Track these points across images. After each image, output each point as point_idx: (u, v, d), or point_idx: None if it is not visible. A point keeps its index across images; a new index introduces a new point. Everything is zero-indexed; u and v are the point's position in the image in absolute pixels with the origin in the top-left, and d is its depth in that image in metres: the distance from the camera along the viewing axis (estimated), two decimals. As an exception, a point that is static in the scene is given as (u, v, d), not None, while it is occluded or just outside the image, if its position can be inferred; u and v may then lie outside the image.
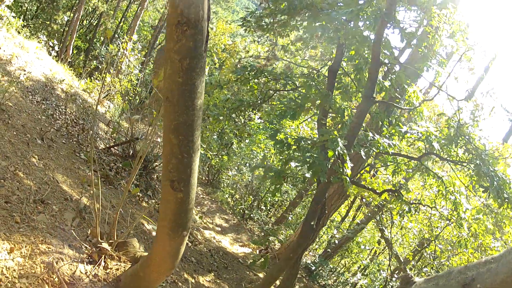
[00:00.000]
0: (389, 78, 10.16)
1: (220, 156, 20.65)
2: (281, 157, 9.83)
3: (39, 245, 6.00)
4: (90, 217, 7.78)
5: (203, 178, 21.53)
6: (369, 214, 17.76)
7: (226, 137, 20.67)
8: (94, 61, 24.07)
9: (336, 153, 7.18)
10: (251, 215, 19.45)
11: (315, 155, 7.61)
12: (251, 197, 20.41)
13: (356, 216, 22.13)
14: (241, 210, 19.31)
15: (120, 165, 11.56)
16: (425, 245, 15.40)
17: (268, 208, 21.80)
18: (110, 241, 6.65)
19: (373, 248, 20.71)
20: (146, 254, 6.07)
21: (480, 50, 10.19)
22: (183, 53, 3.44)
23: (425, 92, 14.62)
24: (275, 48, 15.66)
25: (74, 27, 22.17)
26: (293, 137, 8.50)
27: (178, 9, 3.31)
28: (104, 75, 17.87)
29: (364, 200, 16.01)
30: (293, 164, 8.52)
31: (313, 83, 9.72)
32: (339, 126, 10.09)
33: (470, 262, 5.96)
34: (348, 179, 7.53)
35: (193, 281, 10.10)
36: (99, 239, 6.56)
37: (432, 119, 20.88)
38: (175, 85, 3.63)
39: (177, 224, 4.63)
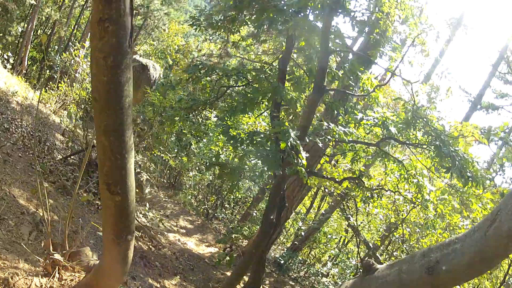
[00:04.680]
0: (342, 66, 10.16)
1: (179, 158, 20.52)
2: (235, 153, 9.79)
3: (-6, 261, 5.92)
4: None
5: (164, 181, 21.41)
6: (333, 204, 17.84)
7: (184, 138, 20.51)
8: (48, 71, 23.67)
9: (289, 144, 7.11)
10: (216, 214, 19.42)
11: (267, 148, 7.55)
12: (214, 196, 20.37)
13: (321, 206, 22.22)
14: (205, 210, 19.27)
15: (78, 174, 11.37)
16: (393, 229, 15.42)
17: (233, 206, 21.75)
18: (63, 251, 6.53)
19: (341, 237, 20.79)
20: (98, 262, 5.96)
21: (433, 33, 10.22)
22: (107, 50, 3.32)
23: (381, 79, 14.64)
24: (227, 45, 15.54)
25: (28, 38, 21.79)
26: (246, 132, 8.44)
27: (100, 5, 3.20)
28: (59, 84, 17.64)
29: (326, 190, 16.01)
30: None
31: (263, 77, 9.69)
32: (292, 117, 10.08)
33: (433, 244, 5.88)
34: (303, 169, 7.46)
35: (158, 286, 10.00)
36: (51, 250, 6.45)
37: (390, 105, 21.00)
38: (101, 84, 3.50)
39: (119, 228, 4.53)
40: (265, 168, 8.16)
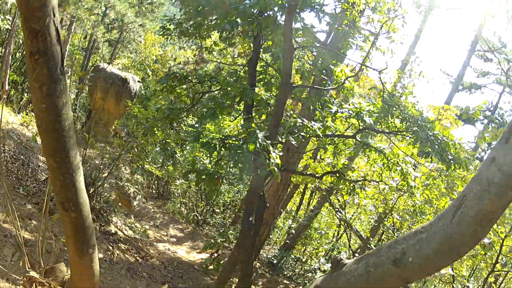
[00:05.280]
0: (316, 62, 10.18)
1: (165, 167, 20.52)
2: (211, 159, 9.78)
3: (-26, 285, 6.10)
4: (31, 249, 7.77)
5: (153, 191, 21.40)
6: (320, 199, 17.84)
7: (169, 148, 20.53)
8: (26, 94, 23.60)
9: (258, 145, 7.10)
10: (206, 220, 19.41)
11: (238, 151, 7.55)
12: (203, 202, 20.35)
13: (311, 202, 22.19)
14: (195, 217, 19.26)
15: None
16: (383, 218, 15.41)
17: (223, 210, 21.72)
18: (40, 269, 6.78)
19: (334, 231, 20.77)
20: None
21: (401, 19, 10.23)
22: (41, 80, 3.58)
23: (359, 70, 14.69)
24: (202, 51, 15.56)
25: (7, 62, 21.62)
26: (218, 137, 8.43)
27: (29, 40, 3.43)
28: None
29: (313, 185, 16.01)
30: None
31: (232, 80, 9.68)
32: (264, 117, 10.07)
33: (400, 236, 5.83)
34: (276, 169, 7.45)
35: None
36: (27, 268, 6.70)
37: (371, 94, 21.02)
38: (41, 111, 3.77)
39: (79, 243, 4.77)
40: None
